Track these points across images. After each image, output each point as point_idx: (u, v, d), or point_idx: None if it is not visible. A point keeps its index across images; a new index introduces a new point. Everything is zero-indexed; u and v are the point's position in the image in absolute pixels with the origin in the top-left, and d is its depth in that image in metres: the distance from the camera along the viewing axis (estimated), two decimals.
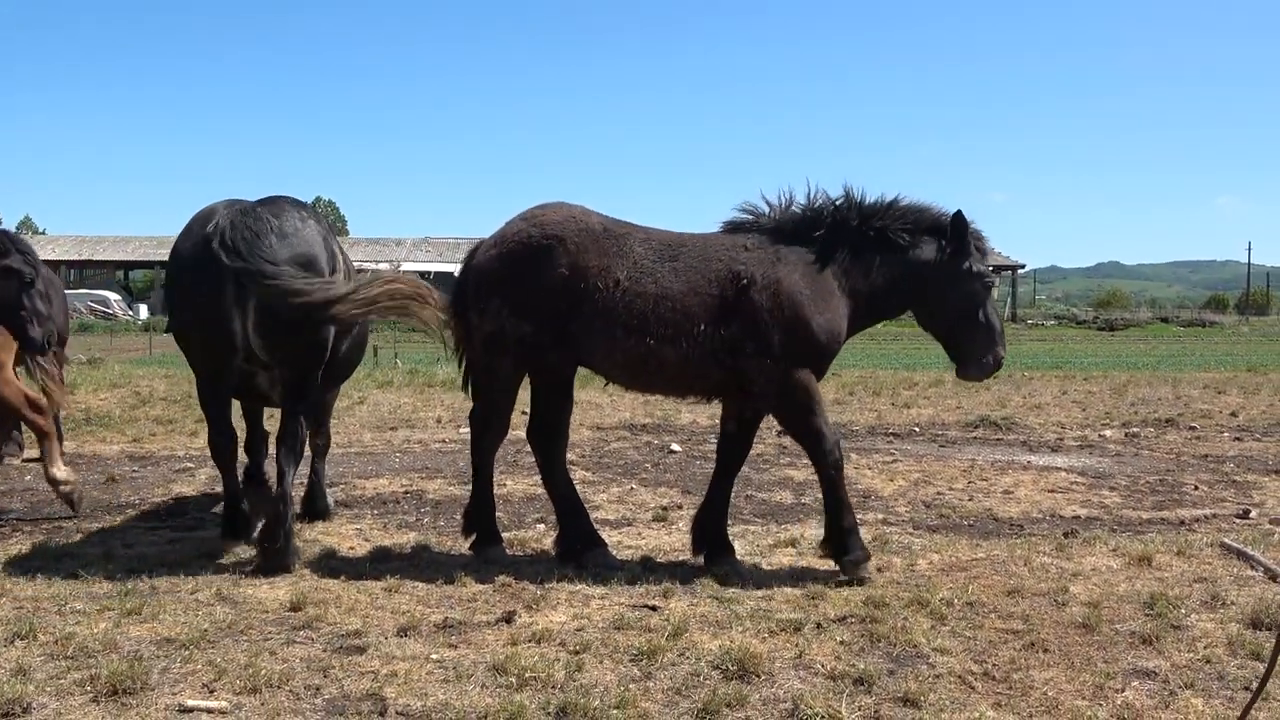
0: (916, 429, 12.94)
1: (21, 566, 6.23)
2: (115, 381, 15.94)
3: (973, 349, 6.20)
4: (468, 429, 12.26)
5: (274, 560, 6.07)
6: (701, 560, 6.38)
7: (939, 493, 8.91)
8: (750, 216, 6.38)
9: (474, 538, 6.58)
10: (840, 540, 6.10)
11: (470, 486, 6.74)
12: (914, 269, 6.18)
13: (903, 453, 11.09)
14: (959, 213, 6.15)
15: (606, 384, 6.69)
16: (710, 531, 6.46)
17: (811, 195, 6.32)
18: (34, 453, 10.46)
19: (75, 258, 66.13)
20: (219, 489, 8.69)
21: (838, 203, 6.26)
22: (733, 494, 8.63)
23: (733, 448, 6.60)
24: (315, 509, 7.61)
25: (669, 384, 6.32)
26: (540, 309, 6.03)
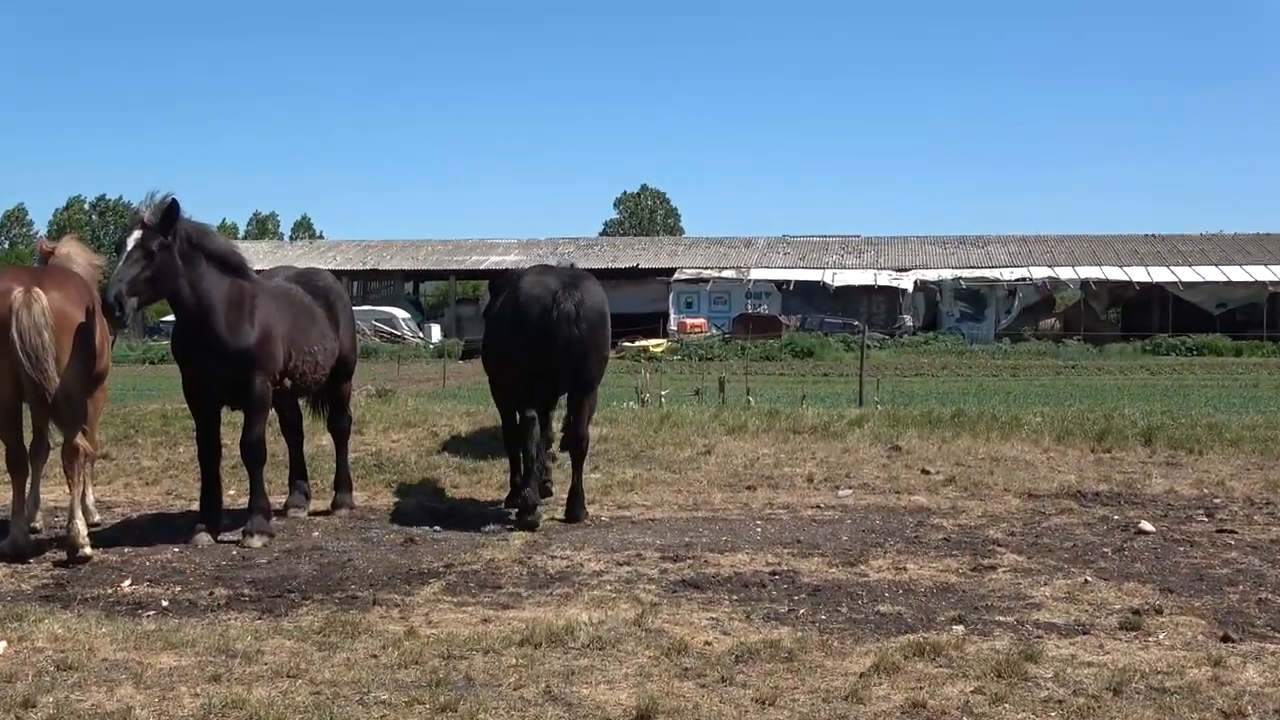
0: None
1: (316, 643, 6.89)
2: (409, 419, 17.11)
3: None
4: (846, 491, 12.44)
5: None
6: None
7: None
8: None
9: None
10: None
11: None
12: None
13: None
14: None
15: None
16: None
17: None
18: (322, 505, 11.60)
19: (359, 267, 72.87)
20: (536, 557, 9.26)
21: None
22: (1238, 597, 8.19)
23: None
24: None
25: None
26: None
